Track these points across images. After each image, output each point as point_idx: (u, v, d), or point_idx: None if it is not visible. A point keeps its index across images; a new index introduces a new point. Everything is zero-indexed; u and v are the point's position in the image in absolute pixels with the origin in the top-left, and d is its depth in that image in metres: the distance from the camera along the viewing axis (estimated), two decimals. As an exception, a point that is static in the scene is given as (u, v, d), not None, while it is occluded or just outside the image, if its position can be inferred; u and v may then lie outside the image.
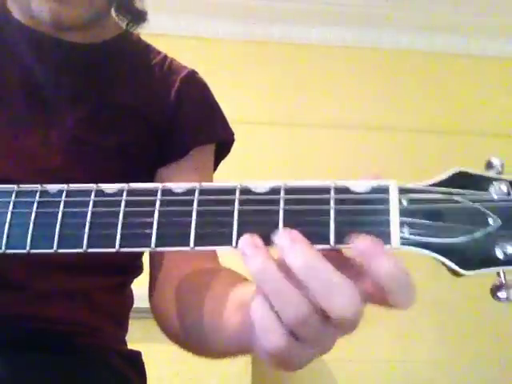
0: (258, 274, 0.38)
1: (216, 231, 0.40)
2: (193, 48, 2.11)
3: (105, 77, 0.73)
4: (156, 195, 0.42)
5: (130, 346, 0.79)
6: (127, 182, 0.69)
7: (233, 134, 0.79)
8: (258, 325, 0.39)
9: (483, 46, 2.36)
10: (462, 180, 0.40)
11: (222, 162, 0.81)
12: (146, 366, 0.77)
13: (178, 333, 0.63)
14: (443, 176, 0.41)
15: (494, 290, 0.39)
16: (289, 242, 0.38)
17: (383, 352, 2.01)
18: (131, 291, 0.80)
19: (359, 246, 0.38)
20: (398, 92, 2.32)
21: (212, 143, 0.76)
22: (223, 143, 0.78)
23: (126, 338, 0.80)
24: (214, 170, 0.79)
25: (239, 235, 0.40)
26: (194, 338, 0.59)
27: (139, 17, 0.79)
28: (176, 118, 0.73)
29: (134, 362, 0.75)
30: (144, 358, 0.78)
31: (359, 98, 2.30)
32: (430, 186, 0.40)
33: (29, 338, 0.64)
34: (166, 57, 0.79)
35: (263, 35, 2.31)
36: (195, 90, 0.77)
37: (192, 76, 0.78)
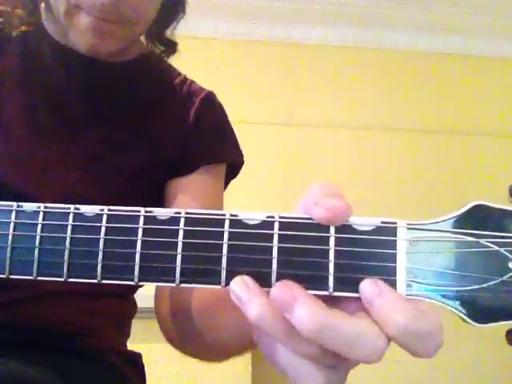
0: (259, 321, 0.34)
1: (203, 268, 0.37)
2: (193, 48, 2.11)
3: (127, 97, 0.74)
4: (138, 222, 0.39)
5: (131, 346, 0.79)
6: (141, 200, 0.71)
7: (242, 157, 0.80)
8: (292, 374, 0.36)
9: (483, 46, 2.36)
10: (480, 216, 0.35)
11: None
12: (146, 366, 0.77)
13: (175, 333, 0.64)
14: (459, 211, 0.36)
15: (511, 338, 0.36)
16: (289, 297, 0.33)
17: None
18: (134, 300, 0.80)
19: (366, 293, 0.34)
20: (398, 92, 2.32)
21: (220, 163, 0.77)
22: (232, 165, 0.79)
23: (126, 338, 0.80)
24: (223, 190, 0.80)
25: (228, 273, 0.36)
26: (190, 336, 0.60)
27: (170, 47, 0.81)
28: (192, 137, 0.75)
29: (134, 362, 0.76)
30: (144, 357, 0.78)
31: (359, 98, 2.30)
32: (444, 222, 0.36)
33: (29, 337, 0.64)
34: (185, 78, 0.80)
35: (263, 35, 2.31)
36: (212, 112, 0.78)
37: (211, 98, 0.79)
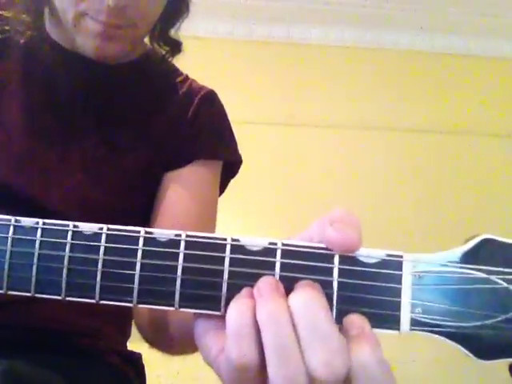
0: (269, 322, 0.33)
1: (203, 293, 0.36)
2: (193, 48, 2.11)
3: (127, 98, 0.75)
4: (138, 243, 0.38)
5: (131, 346, 0.79)
6: (142, 201, 0.70)
7: (239, 156, 0.79)
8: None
9: (483, 45, 2.36)
10: (489, 250, 0.34)
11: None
12: (146, 366, 0.77)
13: (147, 329, 0.65)
14: (468, 245, 0.35)
15: None
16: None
17: (383, 352, 2.00)
18: None
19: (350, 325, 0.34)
20: (397, 92, 2.32)
21: (214, 160, 0.77)
22: (230, 164, 0.79)
23: (126, 337, 0.80)
24: (223, 190, 0.79)
25: (228, 300, 0.35)
26: (162, 333, 0.60)
27: (175, 47, 0.81)
28: (188, 133, 0.75)
29: (134, 362, 0.76)
30: (144, 357, 0.78)
31: (359, 98, 2.30)
32: (451, 255, 0.35)
33: (29, 337, 0.64)
34: (187, 77, 0.80)
35: (263, 35, 2.31)
36: (210, 110, 0.78)
37: (210, 96, 0.79)
